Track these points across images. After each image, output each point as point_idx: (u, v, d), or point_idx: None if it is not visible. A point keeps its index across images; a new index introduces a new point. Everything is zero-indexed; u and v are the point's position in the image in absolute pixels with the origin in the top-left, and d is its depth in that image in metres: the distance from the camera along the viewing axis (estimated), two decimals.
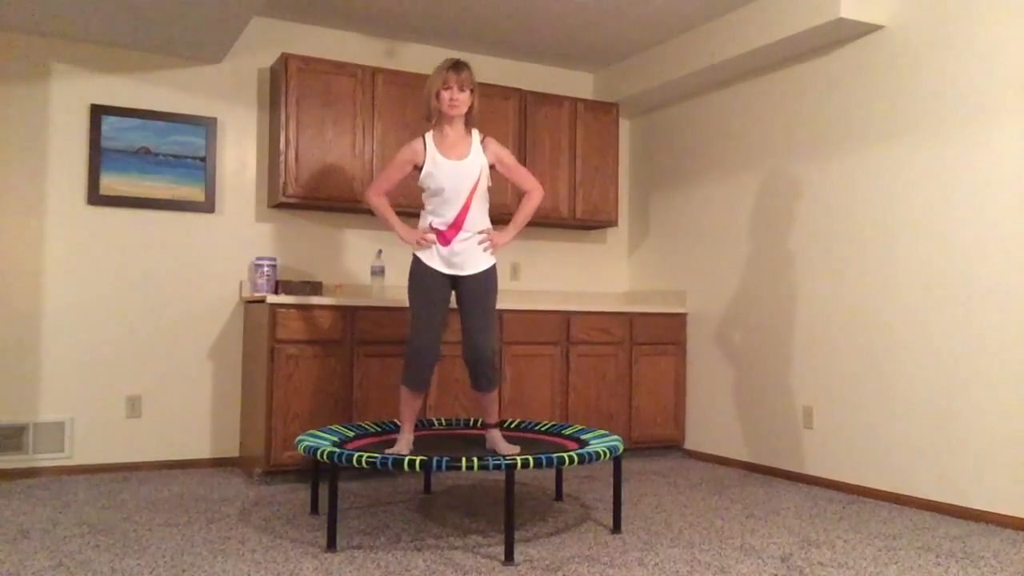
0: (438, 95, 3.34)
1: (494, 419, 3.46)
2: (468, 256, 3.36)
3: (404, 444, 3.29)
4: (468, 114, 3.40)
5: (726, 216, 4.94)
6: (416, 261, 3.40)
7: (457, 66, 3.33)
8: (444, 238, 3.35)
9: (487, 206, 3.45)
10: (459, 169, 3.34)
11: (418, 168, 3.39)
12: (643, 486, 4.21)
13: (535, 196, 3.53)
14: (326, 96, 4.49)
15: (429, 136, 3.41)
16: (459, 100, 3.33)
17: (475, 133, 3.44)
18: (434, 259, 3.36)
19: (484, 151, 3.40)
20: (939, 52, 3.76)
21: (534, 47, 5.17)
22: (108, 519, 3.36)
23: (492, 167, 3.45)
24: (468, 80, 3.34)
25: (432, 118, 3.41)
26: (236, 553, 2.91)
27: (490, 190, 3.45)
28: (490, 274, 3.42)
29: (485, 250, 3.40)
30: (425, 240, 3.36)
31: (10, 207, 4.20)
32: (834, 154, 4.25)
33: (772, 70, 4.64)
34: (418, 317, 3.35)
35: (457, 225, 3.34)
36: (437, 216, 3.36)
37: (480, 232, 3.39)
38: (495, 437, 3.41)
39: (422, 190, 3.42)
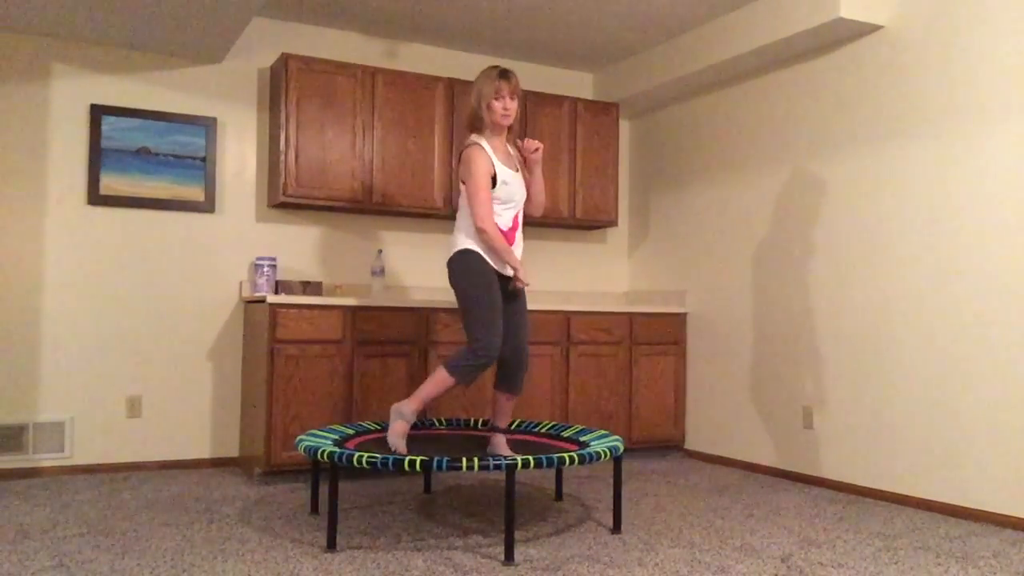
0: (489, 106, 3.27)
1: (506, 423, 3.48)
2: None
3: (401, 430, 3.23)
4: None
5: (726, 216, 4.94)
6: (479, 259, 3.28)
7: (507, 75, 3.28)
8: (507, 240, 3.35)
9: None
10: (519, 179, 3.39)
11: (492, 177, 3.29)
12: (643, 486, 4.21)
13: (542, 204, 3.58)
14: (326, 96, 4.49)
15: (485, 144, 3.30)
16: (511, 110, 3.29)
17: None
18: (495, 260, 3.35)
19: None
20: (939, 52, 3.76)
21: (534, 47, 5.17)
22: (108, 519, 3.36)
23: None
24: (518, 89, 3.31)
25: (481, 128, 3.33)
26: (236, 553, 2.91)
27: None
28: None
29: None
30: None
31: (10, 207, 4.21)
32: (834, 154, 4.25)
33: (772, 70, 4.64)
34: (489, 319, 3.22)
35: (515, 227, 3.38)
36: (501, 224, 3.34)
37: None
38: (500, 442, 3.40)
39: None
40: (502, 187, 3.29)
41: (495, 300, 3.25)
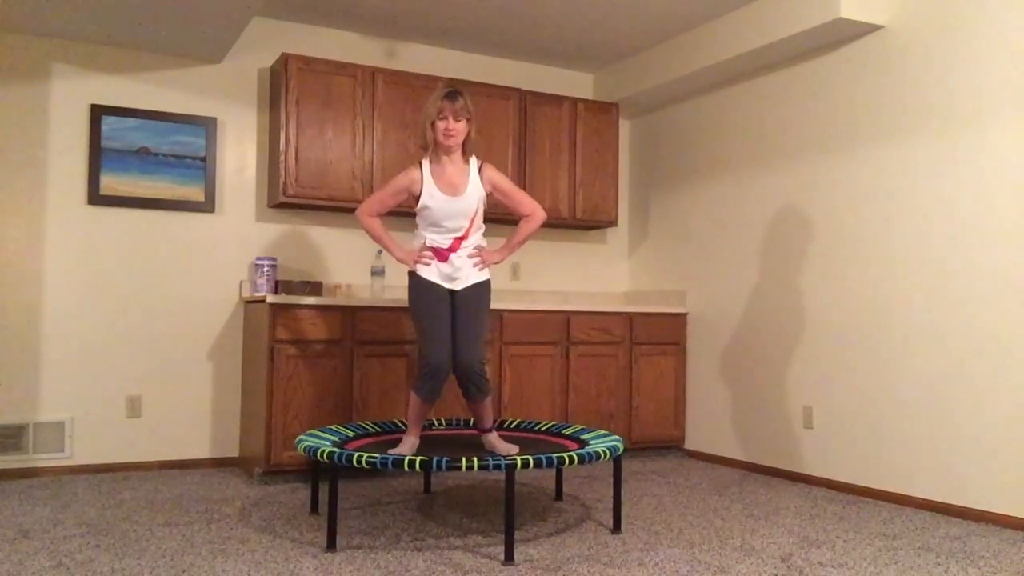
0: (433, 125, 3.28)
1: (488, 424, 3.44)
2: (464, 270, 3.36)
3: (408, 446, 3.28)
4: (465, 142, 3.34)
5: (726, 216, 4.94)
6: (415, 276, 3.38)
7: (452, 95, 3.25)
8: (441, 255, 3.34)
9: (482, 226, 3.44)
10: (457, 204, 3.31)
11: (415, 196, 3.35)
12: (643, 486, 4.21)
13: (535, 219, 3.48)
14: (326, 96, 4.49)
15: (426, 165, 3.35)
16: (455, 130, 3.26)
17: (472, 161, 3.39)
18: (433, 274, 3.35)
19: (481, 181, 3.37)
20: (939, 52, 3.76)
21: (534, 47, 5.17)
22: (108, 519, 3.36)
23: (490, 194, 3.42)
24: (464, 109, 3.27)
25: (428, 147, 3.35)
26: (236, 553, 2.91)
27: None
28: (484, 287, 3.41)
29: (475, 267, 3.38)
30: (423, 259, 3.34)
31: (10, 207, 4.21)
32: (834, 154, 4.25)
33: (772, 70, 4.64)
34: (430, 332, 3.30)
35: (453, 248, 3.35)
36: (432, 240, 3.35)
37: (474, 248, 3.39)
38: (492, 439, 3.40)
39: (416, 214, 3.40)
40: (423, 209, 3.33)
41: (431, 314, 3.31)
